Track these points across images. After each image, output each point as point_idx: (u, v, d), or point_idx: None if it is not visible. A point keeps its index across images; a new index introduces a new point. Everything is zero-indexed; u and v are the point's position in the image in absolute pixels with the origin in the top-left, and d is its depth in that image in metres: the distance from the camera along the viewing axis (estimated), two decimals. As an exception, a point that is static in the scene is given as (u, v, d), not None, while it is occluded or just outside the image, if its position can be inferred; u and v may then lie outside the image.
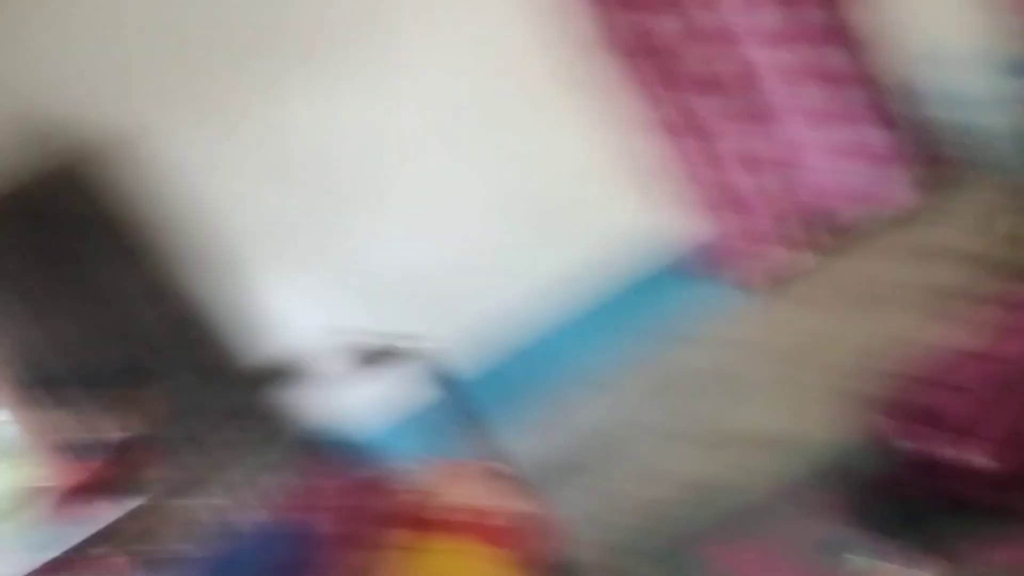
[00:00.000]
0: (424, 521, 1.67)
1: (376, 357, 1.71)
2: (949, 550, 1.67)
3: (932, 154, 3.45)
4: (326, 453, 2.15)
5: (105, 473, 1.86)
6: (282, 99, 3.47)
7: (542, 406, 3.52)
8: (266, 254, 3.56)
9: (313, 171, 3.52)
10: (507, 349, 3.63)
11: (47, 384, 2.78)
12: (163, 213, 3.50)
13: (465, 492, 1.71)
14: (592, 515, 2.73)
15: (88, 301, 3.45)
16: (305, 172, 3.52)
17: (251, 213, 3.54)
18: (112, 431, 2.01)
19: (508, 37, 3.41)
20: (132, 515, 1.90)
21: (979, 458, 1.61)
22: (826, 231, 3.56)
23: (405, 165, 3.50)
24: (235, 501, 3.33)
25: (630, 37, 3.37)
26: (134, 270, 3.48)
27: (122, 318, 3.45)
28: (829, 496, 2.07)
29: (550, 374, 3.61)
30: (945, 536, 1.71)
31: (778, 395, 2.76)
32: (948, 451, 1.69)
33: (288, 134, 3.51)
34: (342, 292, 3.64)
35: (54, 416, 2.19)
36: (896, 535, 1.77)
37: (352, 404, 3.51)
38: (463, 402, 1.81)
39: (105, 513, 1.89)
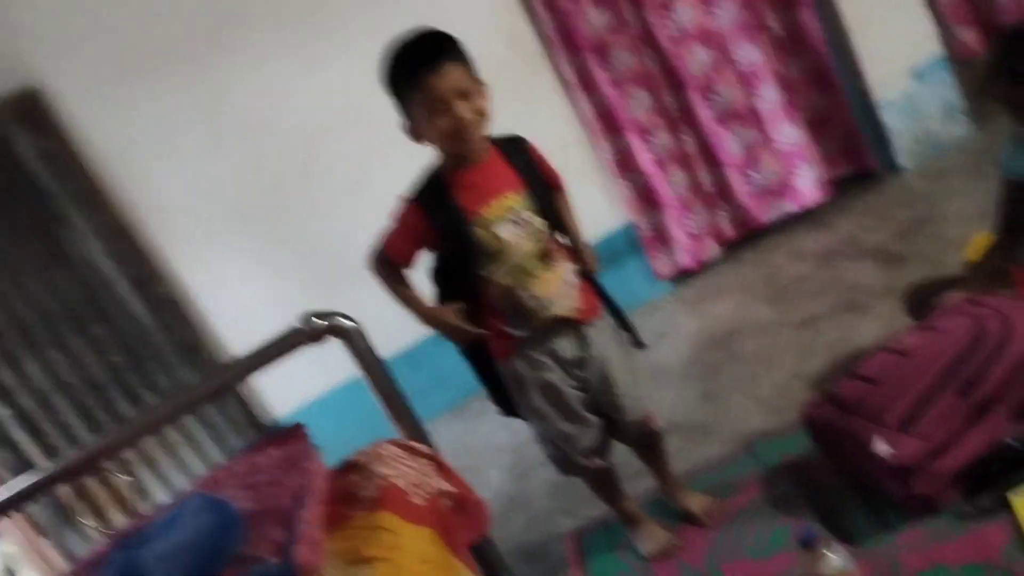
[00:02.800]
0: (346, 498, 1.67)
1: (310, 335, 1.69)
2: (858, 536, 1.75)
3: (846, 154, 3.61)
4: (257, 430, 2.09)
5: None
6: (221, 69, 3.38)
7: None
8: (198, 229, 3.49)
9: (249, 146, 3.45)
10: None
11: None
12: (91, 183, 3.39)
13: (387, 470, 1.71)
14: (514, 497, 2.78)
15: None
16: (242, 146, 3.45)
17: (178, 188, 3.45)
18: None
19: (460, 18, 3.37)
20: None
21: (881, 447, 1.69)
22: (739, 226, 3.67)
23: (342, 145, 3.45)
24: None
25: (565, 31, 3.38)
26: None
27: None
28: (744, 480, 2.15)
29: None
30: (855, 523, 1.80)
31: (695, 383, 2.85)
32: (857, 440, 1.77)
33: (223, 107, 3.42)
34: (275, 269, 3.57)
35: None
36: (811, 520, 1.86)
37: (278, 381, 3.47)
38: (387, 381, 1.81)
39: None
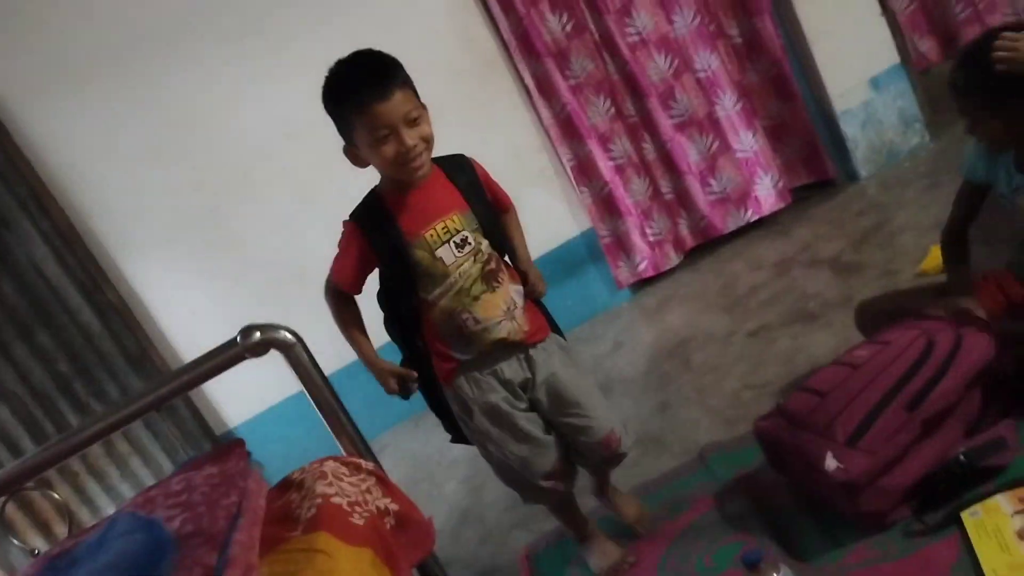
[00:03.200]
0: (283, 518, 1.62)
1: (248, 348, 1.64)
2: (808, 554, 1.73)
3: (805, 162, 3.61)
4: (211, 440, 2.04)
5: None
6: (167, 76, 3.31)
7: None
8: (149, 236, 3.41)
9: (199, 155, 3.38)
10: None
11: None
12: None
13: (327, 488, 1.66)
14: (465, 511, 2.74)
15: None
16: (192, 155, 3.38)
17: (126, 195, 3.38)
18: None
19: (416, 22, 3.32)
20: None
21: (830, 463, 1.67)
22: (699, 234, 3.66)
23: (290, 155, 3.39)
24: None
25: (523, 36, 3.35)
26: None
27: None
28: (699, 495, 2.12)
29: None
30: (805, 540, 1.78)
31: (651, 393, 2.83)
32: (805, 454, 1.75)
33: (171, 115, 3.35)
34: (228, 277, 3.51)
35: None
36: (761, 536, 1.84)
37: (234, 390, 3.41)
38: (329, 396, 1.76)
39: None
